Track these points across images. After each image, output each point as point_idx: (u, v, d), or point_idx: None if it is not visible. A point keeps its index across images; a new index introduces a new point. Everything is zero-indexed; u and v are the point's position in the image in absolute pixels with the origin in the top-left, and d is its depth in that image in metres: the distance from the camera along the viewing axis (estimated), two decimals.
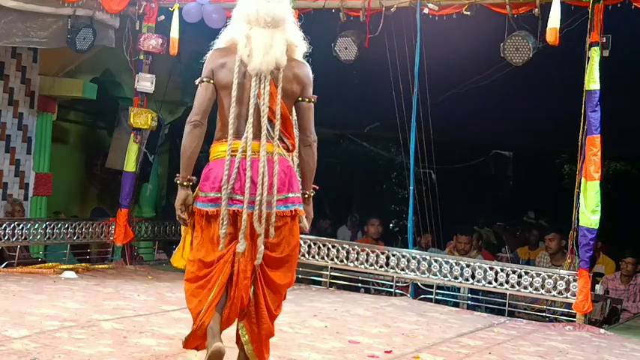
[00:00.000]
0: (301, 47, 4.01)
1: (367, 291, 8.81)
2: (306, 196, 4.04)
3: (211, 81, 3.93)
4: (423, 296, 7.88)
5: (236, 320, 3.92)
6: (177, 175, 4.03)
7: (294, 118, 4.05)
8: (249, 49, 3.83)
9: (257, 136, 3.85)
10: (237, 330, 3.98)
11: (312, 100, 4.00)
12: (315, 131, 4.01)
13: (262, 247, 3.80)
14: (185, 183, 3.99)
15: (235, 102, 3.85)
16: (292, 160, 4.04)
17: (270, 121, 3.87)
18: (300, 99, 3.97)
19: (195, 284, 3.87)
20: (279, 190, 3.85)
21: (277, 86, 3.86)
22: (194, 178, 4.00)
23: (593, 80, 6.95)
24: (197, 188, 4.01)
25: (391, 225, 15.40)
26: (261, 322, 3.90)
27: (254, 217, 3.80)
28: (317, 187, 4.12)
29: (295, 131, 4.07)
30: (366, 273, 8.33)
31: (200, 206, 3.92)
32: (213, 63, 3.94)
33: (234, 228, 3.83)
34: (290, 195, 3.91)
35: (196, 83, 3.99)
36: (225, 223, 3.80)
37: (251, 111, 3.84)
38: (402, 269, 7.95)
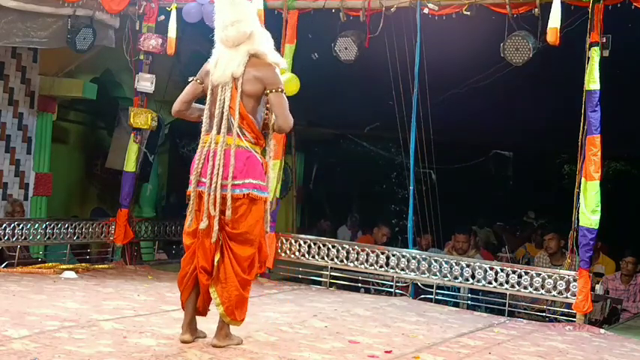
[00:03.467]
0: (271, 52, 4.84)
1: (367, 291, 8.81)
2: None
3: (198, 81, 4.86)
4: (423, 296, 7.88)
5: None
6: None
7: (263, 113, 4.85)
8: (215, 64, 4.78)
9: (219, 131, 4.70)
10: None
11: (278, 90, 4.72)
12: (288, 116, 4.74)
13: (217, 226, 4.61)
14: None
15: (209, 104, 4.79)
16: (259, 151, 4.77)
17: (234, 119, 4.70)
18: (266, 92, 4.74)
19: (186, 254, 4.80)
20: (235, 177, 4.64)
21: (237, 90, 4.69)
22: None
23: (593, 80, 6.95)
24: None
25: (392, 225, 15.37)
26: (230, 285, 4.66)
27: (210, 201, 4.63)
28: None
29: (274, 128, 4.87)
30: (366, 273, 8.33)
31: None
32: (204, 70, 4.88)
33: (200, 206, 4.72)
34: (246, 181, 4.67)
35: (189, 80, 4.91)
36: (191, 202, 4.72)
37: (217, 111, 4.73)
38: (402, 269, 7.95)
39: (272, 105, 4.75)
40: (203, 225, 4.63)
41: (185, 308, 4.82)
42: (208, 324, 4.96)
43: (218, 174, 4.63)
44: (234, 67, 4.71)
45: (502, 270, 7.54)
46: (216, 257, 4.67)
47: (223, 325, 4.74)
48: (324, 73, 9.23)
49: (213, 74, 4.75)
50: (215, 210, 4.61)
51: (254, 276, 4.89)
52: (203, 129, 4.77)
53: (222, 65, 4.73)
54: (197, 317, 4.86)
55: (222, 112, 4.70)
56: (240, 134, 4.69)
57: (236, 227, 4.66)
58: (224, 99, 4.71)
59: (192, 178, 4.72)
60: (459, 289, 8.23)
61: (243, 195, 4.66)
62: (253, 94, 4.74)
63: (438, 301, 7.75)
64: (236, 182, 4.64)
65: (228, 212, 4.61)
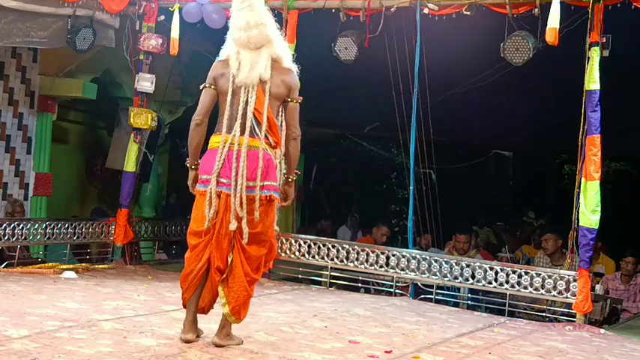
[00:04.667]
0: (287, 57, 4.88)
1: (367, 291, 8.81)
2: (290, 180, 4.90)
3: (212, 87, 4.79)
4: (423, 296, 7.88)
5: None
6: (187, 159, 4.88)
7: (281, 118, 4.88)
8: (238, 64, 4.71)
9: (243, 132, 4.69)
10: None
11: (298, 101, 4.84)
12: (299, 127, 4.85)
13: (247, 228, 4.63)
14: (193, 167, 4.87)
15: (228, 106, 4.72)
16: (275, 154, 4.82)
17: (258, 122, 4.70)
18: (288, 100, 4.82)
19: (192, 253, 4.74)
20: (261, 179, 4.66)
21: (265, 93, 4.71)
22: (199, 161, 4.85)
23: (593, 80, 6.95)
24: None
25: (392, 225, 15.39)
26: (239, 285, 4.68)
27: (236, 202, 4.62)
28: (299, 172, 5.00)
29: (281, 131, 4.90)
30: (366, 273, 8.33)
31: (197, 187, 4.81)
32: (215, 72, 4.81)
33: (218, 207, 4.67)
34: (266, 183, 4.70)
35: (200, 88, 4.83)
36: (214, 203, 4.64)
37: (240, 113, 4.69)
38: (402, 269, 7.95)
39: (289, 113, 4.82)
40: (233, 227, 4.62)
41: (188, 307, 4.80)
42: (210, 324, 4.96)
43: (243, 175, 4.63)
44: (261, 69, 4.70)
45: (502, 270, 7.54)
46: (230, 257, 4.69)
47: (226, 324, 4.75)
48: (324, 73, 9.23)
49: (237, 75, 4.69)
50: (243, 211, 4.61)
51: (261, 276, 4.94)
52: (223, 130, 4.70)
53: (247, 67, 4.70)
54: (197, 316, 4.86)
55: (246, 114, 4.68)
56: (263, 137, 4.70)
57: (253, 227, 4.67)
58: (248, 101, 4.68)
59: (212, 178, 4.66)
60: (459, 289, 8.23)
61: (265, 197, 4.70)
62: (279, 98, 4.78)
63: (438, 301, 7.75)
64: (260, 184, 4.67)
65: (256, 214, 4.63)
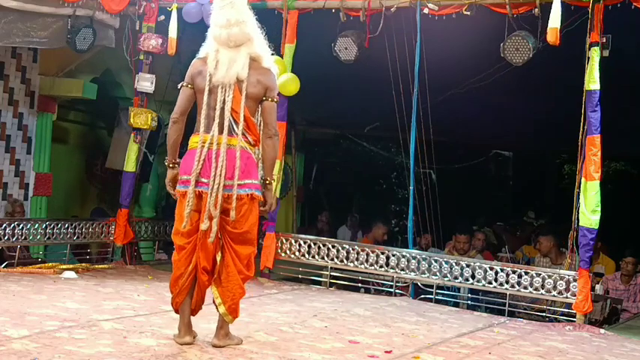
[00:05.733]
0: (267, 57, 4.84)
1: (367, 291, 8.81)
2: (267, 182, 4.83)
3: (189, 86, 4.81)
4: (423, 296, 7.88)
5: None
6: (166, 158, 4.86)
7: (258, 117, 4.86)
8: (216, 63, 4.71)
9: (222, 132, 4.67)
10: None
11: (274, 100, 4.80)
12: (276, 126, 4.84)
13: (215, 227, 4.60)
14: (171, 165, 4.85)
15: (205, 105, 4.72)
16: (255, 152, 4.80)
17: (235, 121, 4.68)
18: (264, 98, 4.78)
19: (179, 254, 4.73)
20: (239, 177, 4.64)
21: (242, 93, 4.69)
22: (179, 160, 4.85)
23: (593, 80, 6.95)
24: None
25: (391, 225, 15.39)
26: (233, 284, 4.69)
27: (210, 202, 4.59)
28: (273, 178, 4.95)
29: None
30: (366, 273, 8.34)
31: (177, 188, 4.79)
32: (193, 70, 4.83)
33: (199, 207, 4.66)
34: (247, 181, 4.68)
35: (178, 87, 4.87)
36: (190, 203, 4.63)
37: (217, 112, 4.68)
38: (402, 269, 7.95)
39: (265, 112, 4.79)
40: (204, 226, 4.60)
41: (181, 310, 4.79)
42: (209, 323, 4.96)
43: (221, 175, 4.61)
44: (238, 68, 4.69)
45: (502, 270, 7.54)
46: (218, 257, 4.68)
47: (223, 324, 4.75)
48: (324, 73, 9.22)
49: (215, 74, 4.69)
50: (216, 210, 4.60)
51: (253, 273, 4.94)
52: (201, 129, 4.69)
53: (225, 65, 4.69)
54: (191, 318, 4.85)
55: (224, 113, 4.67)
56: (241, 135, 4.68)
57: (237, 227, 4.67)
58: (225, 100, 4.67)
59: (192, 178, 4.64)
60: (459, 289, 8.23)
61: (246, 195, 4.68)
62: (256, 97, 4.76)
63: (438, 301, 7.75)
64: (239, 182, 4.65)
65: (233, 213, 4.61)
